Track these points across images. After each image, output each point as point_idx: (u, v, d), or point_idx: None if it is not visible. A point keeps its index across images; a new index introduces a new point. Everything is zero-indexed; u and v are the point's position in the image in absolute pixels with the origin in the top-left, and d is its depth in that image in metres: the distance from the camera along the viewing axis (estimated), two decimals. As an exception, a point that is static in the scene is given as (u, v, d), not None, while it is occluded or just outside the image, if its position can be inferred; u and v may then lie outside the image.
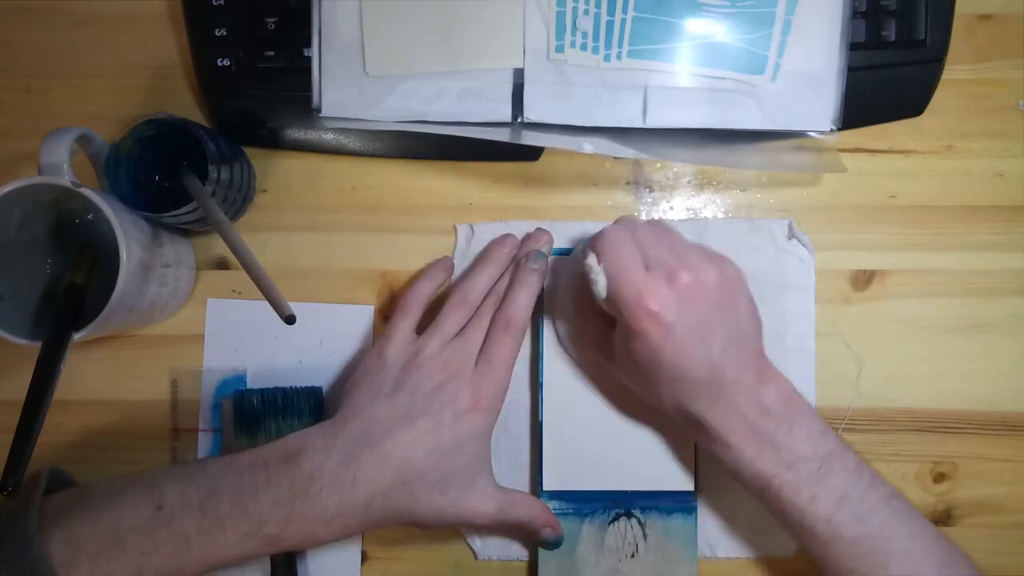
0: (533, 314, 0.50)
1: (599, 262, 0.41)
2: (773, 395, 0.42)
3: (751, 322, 0.43)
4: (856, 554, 0.40)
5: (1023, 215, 0.51)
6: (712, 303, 0.41)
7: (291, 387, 0.49)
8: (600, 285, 0.41)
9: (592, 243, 0.42)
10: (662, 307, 0.39)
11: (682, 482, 0.48)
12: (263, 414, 0.48)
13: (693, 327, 0.40)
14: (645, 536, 0.48)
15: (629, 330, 0.40)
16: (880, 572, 0.40)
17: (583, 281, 0.43)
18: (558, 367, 0.49)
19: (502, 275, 0.48)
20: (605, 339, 0.44)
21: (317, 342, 0.51)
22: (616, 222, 0.45)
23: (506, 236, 0.49)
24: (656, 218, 0.45)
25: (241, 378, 0.51)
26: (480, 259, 0.49)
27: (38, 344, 0.41)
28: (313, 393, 0.49)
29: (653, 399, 0.44)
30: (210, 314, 0.51)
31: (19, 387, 0.40)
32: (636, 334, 0.40)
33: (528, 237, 0.49)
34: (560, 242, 0.50)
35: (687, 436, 0.46)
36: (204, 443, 0.51)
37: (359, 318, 0.51)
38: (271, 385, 0.49)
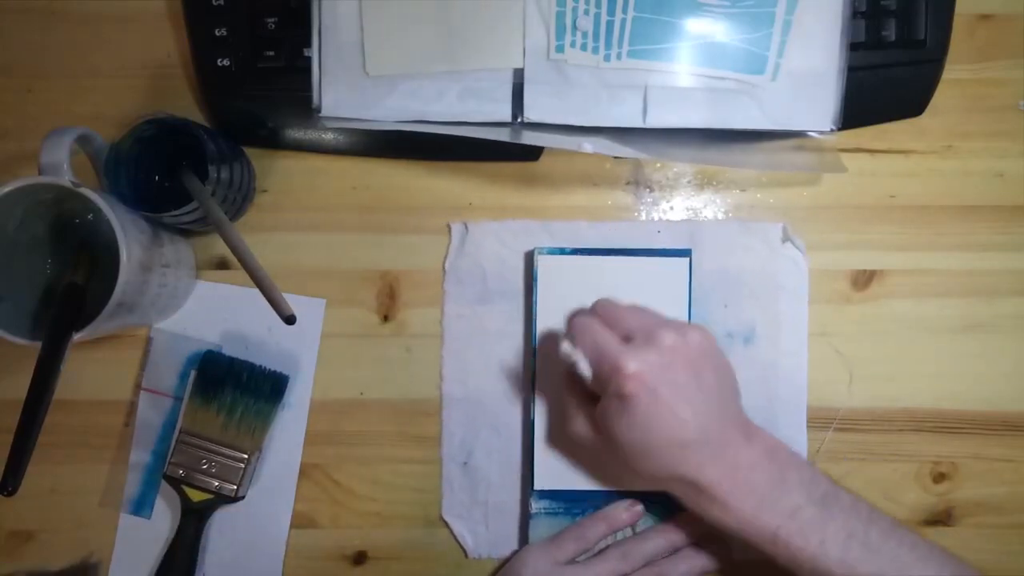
0: (527, 316, 0.50)
1: (575, 346, 0.42)
2: (760, 448, 0.42)
3: (731, 382, 0.44)
4: None
5: (1023, 215, 0.51)
6: (695, 364, 0.41)
7: (261, 366, 0.49)
8: (582, 365, 0.42)
9: (566, 331, 0.43)
10: (643, 368, 0.40)
11: None
12: (225, 381, 0.48)
13: (678, 388, 0.40)
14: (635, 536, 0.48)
15: (617, 397, 0.40)
16: None
17: (567, 369, 0.43)
18: (549, 368, 0.49)
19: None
20: (594, 421, 0.44)
21: (265, 329, 0.51)
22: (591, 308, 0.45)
23: (634, 504, 0.48)
24: (630, 303, 0.46)
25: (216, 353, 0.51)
26: (599, 515, 0.48)
27: (38, 344, 0.41)
28: (278, 378, 0.49)
29: (647, 473, 0.43)
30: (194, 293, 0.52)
31: (19, 387, 0.40)
32: (623, 401, 0.40)
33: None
34: (560, 242, 0.50)
35: (687, 507, 0.44)
36: (162, 407, 0.51)
37: (311, 310, 0.51)
38: None
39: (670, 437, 0.40)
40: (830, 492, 0.42)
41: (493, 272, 0.51)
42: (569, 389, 0.45)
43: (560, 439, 0.49)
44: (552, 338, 0.49)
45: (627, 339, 0.42)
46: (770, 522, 0.41)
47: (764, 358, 0.50)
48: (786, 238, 0.50)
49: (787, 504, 0.41)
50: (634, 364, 0.40)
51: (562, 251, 0.49)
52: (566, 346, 0.42)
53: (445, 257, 0.51)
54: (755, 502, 0.41)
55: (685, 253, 0.49)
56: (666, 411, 0.40)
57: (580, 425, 0.44)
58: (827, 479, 0.42)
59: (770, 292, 0.50)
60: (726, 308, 0.50)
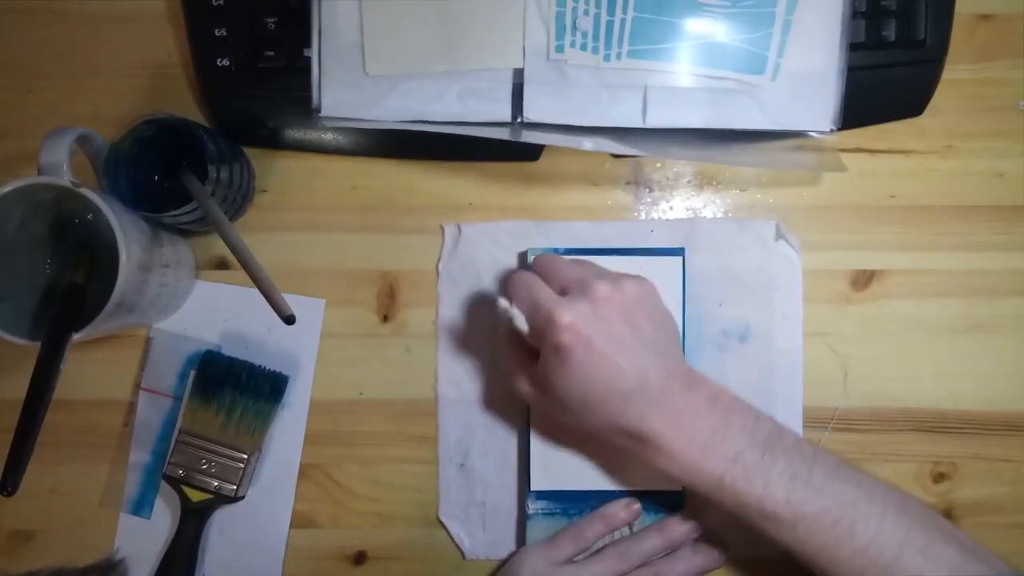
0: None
1: (511, 302, 0.42)
2: (701, 395, 0.42)
3: (671, 331, 0.44)
4: (822, 528, 0.40)
5: (1023, 215, 0.51)
6: (630, 314, 0.41)
7: (261, 366, 0.49)
8: (518, 320, 0.42)
9: (502, 288, 0.43)
10: (576, 319, 0.40)
11: (669, 482, 0.48)
12: (224, 381, 0.48)
13: (613, 338, 0.40)
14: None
15: (553, 350, 0.40)
16: (848, 539, 0.40)
17: (508, 326, 0.43)
18: None
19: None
20: (536, 380, 0.44)
21: (265, 329, 0.51)
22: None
23: (632, 503, 0.49)
24: (573, 257, 0.46)
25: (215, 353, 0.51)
26: (596, 515, 0.48)
27: (38, 344, 0.41)
28: (277, 378, 0.49)
29: (592, 428, 0.43)
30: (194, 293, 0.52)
31: (19, 387, 0.40)
32: (559, 353, 0.40)
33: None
34: (554, 241, 0.50)
35: (637, 461, 0.44)
36: (162, 407, 0.51)
37: (311, 310, 0.51)
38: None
39: (609, 387, 0.41)
40: (773, 435, 0.42)
41: (487, 273, 0.51)
42: (511, 348, 0.45)
43: (557, 439, 0.49)
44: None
45: (564, 292, 0.42)
46: (715, 468, 0.41)
47: (759, 356, 0.50)
48: (779, 235, 0.50)
49: (730, 449, 0.41)
50: (568, 315, 0.40)
51: (556, 251, 0.49)
52: (502, 302, 0.42)
53: (439, 259, 0.51)
54: (699, 449, 0.41)
55: (678, 252, 0.49)
56: (602, 361, 0.40)
57: (523, 384, 0.44)
58: (771, 422, 0.43)
59: (764, 290, 0.50)
60: (720, 307, 0.50)
